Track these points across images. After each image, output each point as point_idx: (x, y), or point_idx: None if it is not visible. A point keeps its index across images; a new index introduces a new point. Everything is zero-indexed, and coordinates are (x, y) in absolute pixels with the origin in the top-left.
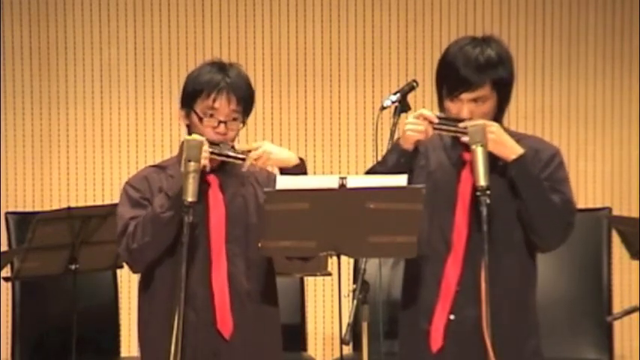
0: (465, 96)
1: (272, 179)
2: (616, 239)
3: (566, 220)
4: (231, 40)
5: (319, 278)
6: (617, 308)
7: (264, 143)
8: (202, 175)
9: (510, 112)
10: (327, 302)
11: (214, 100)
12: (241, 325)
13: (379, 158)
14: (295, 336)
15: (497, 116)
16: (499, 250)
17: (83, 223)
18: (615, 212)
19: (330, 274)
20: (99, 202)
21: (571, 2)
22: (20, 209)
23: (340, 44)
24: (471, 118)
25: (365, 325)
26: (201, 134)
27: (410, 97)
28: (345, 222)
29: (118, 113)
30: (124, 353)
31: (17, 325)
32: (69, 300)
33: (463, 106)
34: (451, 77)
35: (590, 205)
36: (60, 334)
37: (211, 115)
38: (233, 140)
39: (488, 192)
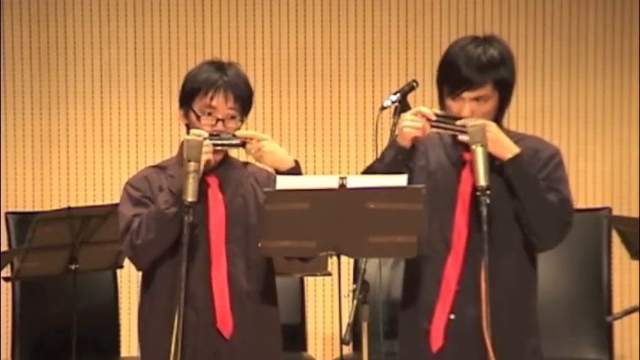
0: (466, 94)
1: (272, 179)
2: (616, 239)
3: (563, 219)
4: (231, 40)
5: (319, 278)
6: (617, 308)
7: (268, 138)
8: (202, 174)
9: (510, 112)
10: (327, 302)
11: (212, 99)
12: (241, 325)
13: (378, 157)
14: (295, 336)
15: (498, 116)
16: (499, 250)
17: (83, 223)
18: (615, 212)
19: (330, 274)
20: (99, 202)
21: (571, 2)
22: (20, 209)
23: (340, 44)
24: (471, 117)
25: (365, 325)
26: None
27: (410, 97)
28: (345, 222)
29: (118, 113)
30: (124, 353)
31: (17, 325)
32: (69, 300)
33: (465, 104)
34: (452, 76)
35: (590, 205)
36: (60, 334)
37: (209, 114)
38: None
39: (488, 192)
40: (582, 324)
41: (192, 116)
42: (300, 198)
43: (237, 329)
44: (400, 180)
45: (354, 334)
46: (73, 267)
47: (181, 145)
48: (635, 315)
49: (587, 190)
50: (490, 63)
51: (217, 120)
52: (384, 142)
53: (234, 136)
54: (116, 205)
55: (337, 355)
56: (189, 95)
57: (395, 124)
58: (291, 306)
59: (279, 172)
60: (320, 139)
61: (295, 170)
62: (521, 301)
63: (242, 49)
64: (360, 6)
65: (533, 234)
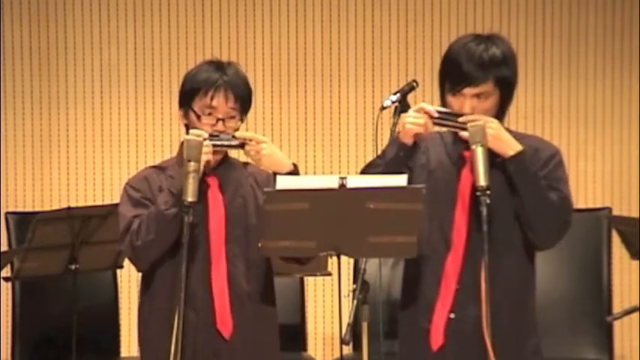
0: (467, 91)
1: (271, 180)
2: (616, 239)
3: (563, 218)
4: (231, 40)
5: (319, 278)
6: (617, 308)
7: (267, 141)
8: (202, 174)
9: (510, 112)
10: (327, 302)
11: (212, 98)
12: (241, 325)
13: (379, 153)
14: (295, 336)
15: (499, 115)
16: (499, 249)
17: (83, 223)
18: (615, 212)
19: (330, 274)
20: (99, 202)
21: (571, 2)
22: (20, 209)
23: (340, 44)
24: (471, 114)
25: (365, 325)
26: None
27: (410, 97)
28: (345, 222)
29: (118, 113)
30: (124, 353)
31: (17, 325)
32: (69, 300)
33: (465, 101)
34: (454, 72)
35: (590, 205)
36: (60, 334)
37: (209, 114)
38: None
39: (488, 192)
40: (582, 324)
41: (192, 116)
42: (300, 198)
43: (237, 330)
44: (400, 180)
45: (354, 334)
46: (73, 267)
47: (181, 145)
48: (635, 315)
49: (587, 190)
50: (492, 61)
51: (217, 120)
52: (384, 142)
53: (233, 137)
54: (116, 205)
55: (337, 355)
56: (189, 95)
57: (395, 124)
58: (291, 306)
59: (277, 176)
60: (320, 139)
61: (294, 174)
62: (521, 301)
63: (242, 49)
64: (360, 6)
65: (532, 232)
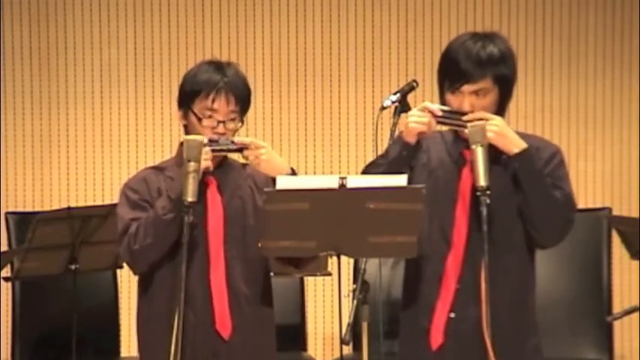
0: (466, 88)
1: (270, 182)
2: (616, 239)
3: (566, 216)
4: (231, 40)
5: (319, 278)
6: (617, 308)
7: (266, 146)
8: (202, 176)
9: (510, 112)
10: (327, 302)
11: (213, 101)
12: (240, 325)
13: (382, 152)
14: (295, 336)
15: (499, 114)
16: (500, 250)
17: (83, 223)
18: (615, 212)
19: (330, 274)
20: (99, 202)
21: (571, 2)
22: (20, 209)
23: (340, 44)
24: (472, 111)
25: (365, 325)
26: (200, 134)
27: (410, 97)
28: (345, 222)
29: (118, 113)
30: (124, 353)
31: (17, 325)
32: (69, 300)
33: (464, 98)
34: (452, 70)
35: (590, 205)
36: (60, 334)
37: (210, 116)
38: None
39: (488, 192)
40: (582, 324)
41: (192, 118)
42: (300, 198)
43: (236, 330)
44: (400, 180)
45: (354, 334)
46: (73, 267)
47: (180, 145)
48: (635, 315)
49: (587, 190)
50: (489, 58)
51: (218, 122)
52: (384, 142)
53: (232, 142)
54: (116, 205)
55: (337, 355)
56: (188, 97)
57: (395, 124)
58: (291, 306)
59: (275, 181)
60: (320, 139)
61: None
62: (521, 301)
63: (242, 49)
64: (360, 6)
65: (535, 230)
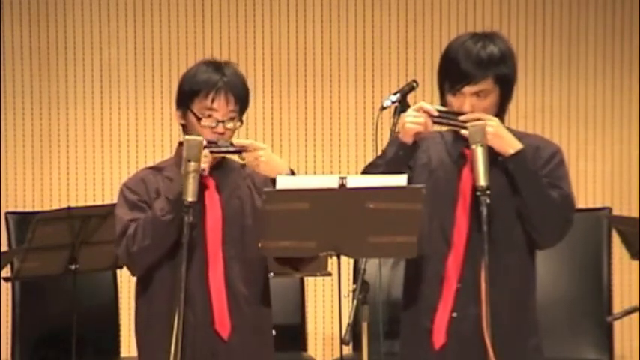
0: (467, 89)
1: (268, 182)
2: (616, 239)
3: (564, 216)
4: (231, 40)
5: (319, 278)
6: (617, 308)
7: (265, 148)
8: (200, 176)
9: (510, 112)
10: (327, 302)
11: (212, 101)
12: (239, 325)
13: (379, 153)
14: (295, 336)
15: (499, 113)
16: (500, 249)
17: (83, 223)
18: (615, 212)
19: (330, 274)
20: (99, 202)
21: (571, 2)
22: (20, 209)
23: (340, 44)
24: (471, 112)
25: (365, 325)
26: (199, 134)
27: (410, 97)
28: (345, 222)
29: (118, 113)
30: (124, 353)
31: (17, 325)
32: (69, 300)
33: (465, 99)
34: (452, 71)
35: (590, 205)
36: (60, 334)
37: (209, 116)
38: (230, 138)
39: (488, 192)
40: (582, 324)
41: (192, 118)
42: (300, 198)
43: (235, 330)
44: (400, 180)
45: (354, 334)
46: (73, 267)
47: (179, 145)
48: (635, 315)
49: (587, 190)
50: (490, 59)
51: (217, 122)
52: (384, 142)
53: (231, 144)
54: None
55: (337, 355)
56: (187, 97)
57: (395, 124)
58: (291, 306)
59: (274, 182)
60: (320, 139)
61: None
62: (521, 301)
63: (242, 49)
64: (360, 6)
65: (534, 230)
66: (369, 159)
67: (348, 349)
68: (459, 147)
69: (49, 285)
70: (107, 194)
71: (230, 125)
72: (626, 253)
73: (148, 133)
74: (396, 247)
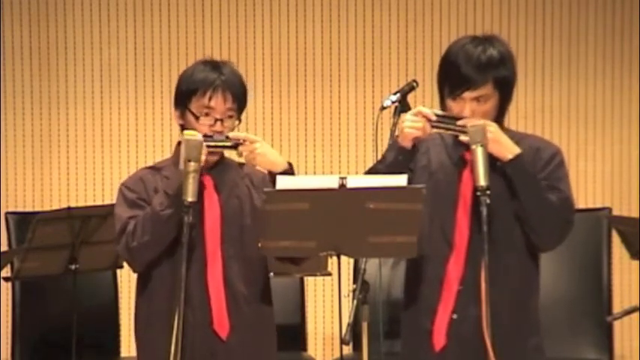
0: (467, 94)
1: (267, 180)
2: (616, 239)
3: (564, 218)
4: (231, 40)
5: (319, 278)
6: (617, 308)
7: (261, 141)
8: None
9: (510, 112)
10: (327, 302)
11: (210, 99)
12: (237, 325)
13: (379, 158)
14: (295, 336)
15: (499, 116)
16: (500, 249)
17: (83, 223)
18: (615, 212)
19: (330, 274)
20: (99, 202)
21: (571, 2)
22: (20, 209)
23: (340, 44)
24: (471, 117)
25: (365, 325)
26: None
27: (410, 97)
28: (345, 222)
29: (118, 113)
30: (124, 353)
31: (17, 325)
32: (69, 300)
33: (465, 104)
34: (453, 76)
35: (590, 205)
36: (60, 334)
37: (207, 114)
38: None
39: (488, 192)
40: (582, 324)
41: (190, 117)
42: (300, 198)
43: (234, 330)
44: (400, 180)
45: (354, 334)
46: (73, 267)
47: (177, 145)
48: (635, 315)
49: (587, 190)
50: (489, 62)
51: (215, 120)
52: (384, 142)
53: (227, 137)
54: None
55: (337, 355)
56: (185, 96)
57: (395, 124)
58: (291, 306)
59: (272, 175)
60: (320, 139)
61: (288, 173)
62: (522, 301)
63: (242, 49)
64: (360, 6)
65: (534, 234)
66: (369, 159)
67: (348, 349)
68: (459, 149)
69: (49, 285)
70: (107, 194)
71: (228, 123)
72: (626, 253)
73: (148, 133)
74: (396, 247)
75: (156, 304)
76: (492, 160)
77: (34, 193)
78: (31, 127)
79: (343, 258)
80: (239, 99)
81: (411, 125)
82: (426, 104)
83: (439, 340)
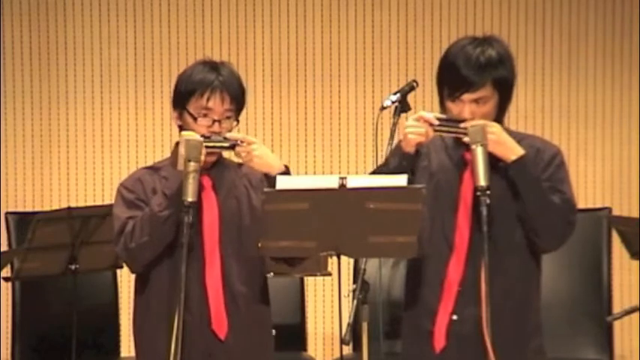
0: (466, 97)
1: (265, 180)
2: (616, 239)
3: (566, 219)
4: (231, 40)
5: (319, 278)
6: (617, 308)
7: (258, 142)
8: None
9: (510, 112)
10: (327, 302)
11: (208, 100)
12: (236, 325)
13: (379, 158)
14: (295, 336)
15: (499, 116)
16: (501, 250)
17: (83, 223)
18: (615, 212)
19: (330, 274)
20: (99, 202)
21: (571, 2)
22: (20, 209)
23: (340, 44)
24: (472, 119)
25: (365, 325)
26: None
27: (410, 97)
28: (345, 222)
29: (118, 113)
30: (124, 353)
31: (17, 325)
32: (69, 300)
33: (464, 106)
34: (452, 78)
35: (590, 205)
36: (60, 334)
37: (205, 115)
38: None
39: (488, 192)
40: (582, 324)
41: (188, 117)
42: (300, 198)
43: (232, 330)
44: (400, 180)
45: (354, 334)
46: (73, 267)
47: (175, 145)
48: (635, 315)
49: (587, 190)
50: (488, 63)
51: (213, 121)
52: (384, 142)
53: (224, 138)
54: None
55: (337, 355)
56: (183, 97)
57: (395, 124)
58: (291, 306)
59: (268, 177)
60: (320, 139)
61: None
62: (523, 301)
63: (242, 49)
64: (360, 6)
65: (535, 235)
66: (369, 159)
67: (348, 349)
68: (460, 150)
69: (49, 285)
70: (107, 194)
71: (226, 124)
72: (626, 253)
73: (148, 133)
74: (396, 247)
75: (154, 305)
76: (495, 161)
77: (34, 193)
78: (31, 127)
79: (343, 258)
80: (237, 100)
81: (414, 131)
82: (426, 104)
83: (439, 340)
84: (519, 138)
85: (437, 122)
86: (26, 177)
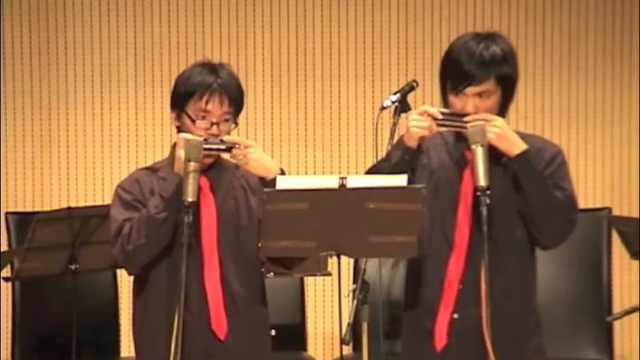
0: (469, 90)
1: (262, 183)
2: (616, 239)
3: (568, 216)
4: (231, 40)
5: (319, 278)
6: (617, 308)
7: (254, 145)
8: None
9: (510, 112)
10: (327, 302)
11: (207, 102)
12: (235, 325)
13: (379, 158)
14: (295, 336)
15: (501, 114)
16: (501, 249)
17: (83, 223)
18: (615, 212)
19: (330, 274)
20: (99, 202)
21: (571, 2)
22: (20, 209)
23: (340, 44)
24: (475, 113)
25: (365, 325)
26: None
27: (410, 97)
28: (345, 222)
29: (118, 113)
30: (124, 353)
31: (17, 325)
32: (69, 300)
33: (468, 100)
34: (455, 72)
35: (590, 205)
36: (60, 334)
37: (203, 117)
38: None
39: (488, 192)
40: (582, 324)
41: (186, 119)
42: (300, 198)
43: (232, 330)
44: (400, 180)
45: (354, 334)
46: (73, 267)
47: (173, 146)
48: (635, 315)
49: (587, 190)
50: (492, 59)
51: (212, 123)
52: (384, 142)
53: (221, 141)
54: None
55: (337, 355)
56: (182, 98)
57: (395, 124)
58: (291, 306)
59: (264, 181)
60: (320, 139)
61: None
62: (523, 301)
63: (242, 49)
64: (360, 6)
65: (537, 231)
66: (369, 159)
67: (348, 349)
68: (460, 148)
69: (49, 285)
70: (107, 194)
71: (224, 127)
72: (626, 253)
73: (148, 133)
74: (396, 247)
75: (153, 305)
76: (497, 156)
77: (34, 193)
78: (31, 127)
79: (343, 258)
80: (236, 102)
81: (418, 125)
82: (426, 104)
83: (440, 339)
84: (520, 137)
85: (441, 116)
86: (26, 177)
